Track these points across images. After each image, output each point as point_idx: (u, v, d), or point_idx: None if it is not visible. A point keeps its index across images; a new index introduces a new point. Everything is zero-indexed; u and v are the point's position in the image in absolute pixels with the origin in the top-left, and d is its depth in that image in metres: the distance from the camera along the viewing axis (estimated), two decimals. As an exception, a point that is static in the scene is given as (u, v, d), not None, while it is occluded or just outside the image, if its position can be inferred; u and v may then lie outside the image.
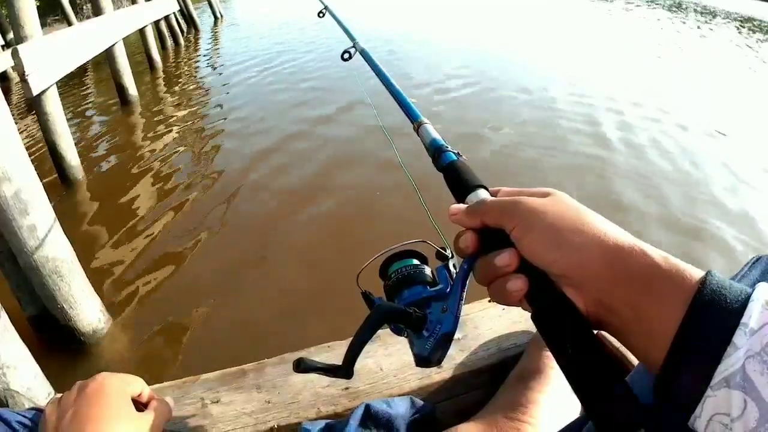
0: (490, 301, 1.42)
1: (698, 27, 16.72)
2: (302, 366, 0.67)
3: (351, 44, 1.25)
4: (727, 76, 9.93)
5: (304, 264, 3.68)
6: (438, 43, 11.21)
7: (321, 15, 1.90)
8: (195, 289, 3.53)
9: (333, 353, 1.29)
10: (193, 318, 3.28)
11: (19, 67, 4.43)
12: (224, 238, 4.10)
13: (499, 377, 1.22)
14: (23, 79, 4.50)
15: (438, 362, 0.59)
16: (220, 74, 9.77)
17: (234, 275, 3.63)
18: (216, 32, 16.17)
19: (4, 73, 9.78)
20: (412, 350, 0.62)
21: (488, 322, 1.37)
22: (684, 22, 17.63)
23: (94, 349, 3.01)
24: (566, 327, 0.46)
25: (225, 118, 7.07)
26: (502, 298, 0.52)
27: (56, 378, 2.55)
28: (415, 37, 12.12)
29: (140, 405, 0.81)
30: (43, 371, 2.47)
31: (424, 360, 0.59)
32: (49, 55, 5.01)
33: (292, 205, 4.42)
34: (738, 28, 17.95)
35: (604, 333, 0.49)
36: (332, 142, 5.71)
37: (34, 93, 4.65)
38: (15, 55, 4.39)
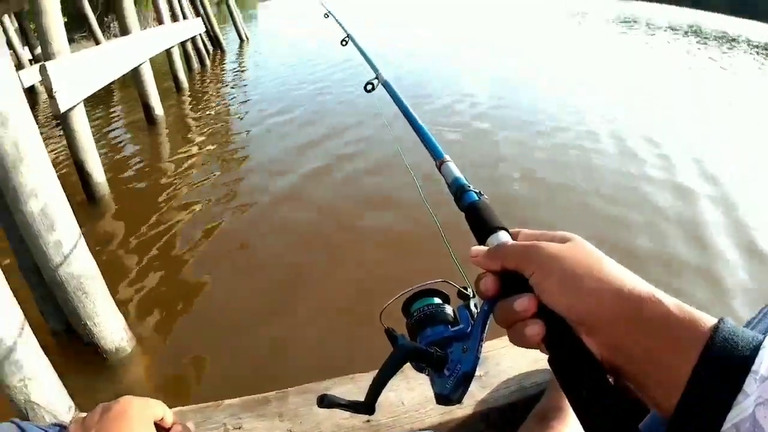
0: None
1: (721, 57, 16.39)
2: (326, 401, 0.66)
3: (374, 75, 1.24)
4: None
5: (327, 298, 3.63)
6: (464, 69, 11.16)
7: (344, 43, 1.91)
8: (219, 315, 3.52)
9: (355, 385, 1.28)
10: (215, 343, 3.25)
11: (47, 83, 4.48)
12: (248, 268, 4.06)
13: (519, 415, 1.19)
14: (51, 95, 4.55)
15: (458, 401, 0.59)
16: (245, 99, 9.83)
17: (258, 304, 3.60)
18: (241, 54, 16.38)
19: (32, 87, 9.96)
20: (433, 388, 0.62)
21: (510, 360, 1.36)
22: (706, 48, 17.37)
23: (116, 367, 2.99)
24: (581, 372, 0.47)
25: (249, 145, 7.11)
26: (520, 341, 0.52)
27: (77, 393, 2.54)
28: (437, 58, 12.06)
29: (162, 430, 0.80)
30: (64, 386, 2.47)
31: (444, 398, 0.59)
32: (77, 73, 5.06)
33: (315, 240, 4.38)
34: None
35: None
36: (355, 176, 5.65)
37: (62, 110, 4.70)
38: (43, 71, 4.45)
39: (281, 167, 5.93)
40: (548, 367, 1.25)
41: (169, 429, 0.81)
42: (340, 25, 2.06)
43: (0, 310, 2.23)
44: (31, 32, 12.24)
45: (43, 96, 9.82)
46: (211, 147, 7.07)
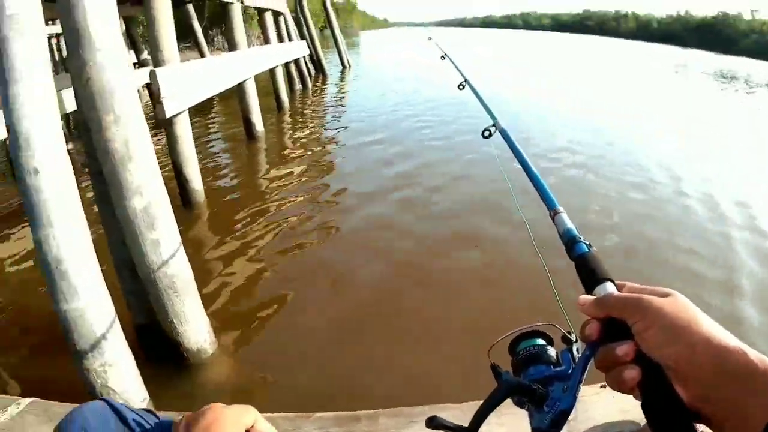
0: (602, 387, 1.47)
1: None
2: (434, 423, 0.71)
3: (491, 122, 1.28)
4: None
5: (421, 328, 3.51)
6: (567, 118, 10.76)
7: (461, 87, 1.94)
8: (301, 330, 3.48)
9: (446, 414, 1.25)
10: (296, 356, 3.22)
11: (155, 88, 4.62)
12: (335, 286, 4.02)
13: None
14: (158, 101, 4.69)
15: None
16: (343, 124, 9.92)
17: (342, 323, 3.53)
18: (342, 80, 16.70)
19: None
20: (531, 423, 0.66)
21: (598, 407, 1.39)
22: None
23: (195, 367, 3.00)
24: (671, 415, 0.50)
25: (343, 169, 7.13)
26: (617, 384, 0.55)
27: (153, 386, 2.57)
28: (542, 107, 11.72)
29: None
30: (141, 377, 2.50)
31: None
32: (185, 82, 5.21)
33: (408, 268, 4.27)
34: None
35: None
36: (462, 213, 5.46)
37: (168, 115, 4.83)
38: (152, 76, 4.59)
39: (375, 195, 5.88)
40: (634, 418, 1.35)
41: None
42: (458, 69, 2.11)
43: (94, 296, 2.29)
44: (138, 37, 12.88)
45: (145, 99, 10.21)
46: (305, 167, 7.15)
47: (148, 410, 0.90)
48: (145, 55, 12.48)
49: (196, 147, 5.76)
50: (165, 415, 0.92)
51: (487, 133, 1.25)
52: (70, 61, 2.68)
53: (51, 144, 2.22)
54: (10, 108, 2.14)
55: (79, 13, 2.53)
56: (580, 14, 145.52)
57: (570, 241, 0.70)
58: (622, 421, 1.33)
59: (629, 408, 1.37)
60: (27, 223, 5.39)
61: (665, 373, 0.52)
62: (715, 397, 0.49)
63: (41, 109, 2.21)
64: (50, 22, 9.47)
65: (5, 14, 2.14)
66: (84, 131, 2.85)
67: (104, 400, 0.88)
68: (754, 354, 0.48)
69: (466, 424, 0.68)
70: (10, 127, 2.16)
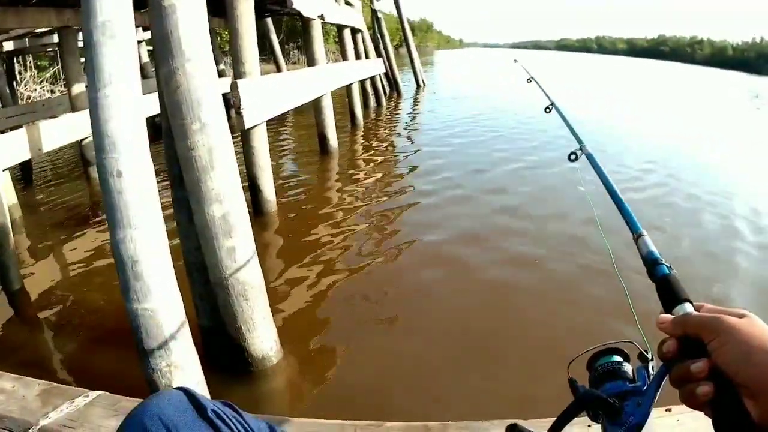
0: (666, 410, 1.45)
1: None
2: (515, 430, 0.76)
3: (578, 145, 1.34)
4: None
5: (491, 345, 3.42)
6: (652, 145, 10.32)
7: (547, 111, 1.97)
8: (369, 342, 3.46)
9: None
10: (364, 366, 3.20)
11: (236, 99, 4.71)
12: (408, 306, 3.94)
13: None
14: (238, 111, 4.77)
15: None
16: (416, 145, 9.87)
17: (414, 342, 3.46)
18: (417, 99, 16.70)
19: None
20: None
21: (663, 429, 1.38)
22: None
23: (258, 374, 3.01)
24: (739, 429, 0.51)
25: (413, 188, 7.03)
26: (689, 400, 0.56)
27: (215, 390, 2.57)
28: (622, 130, 11.34)
29: None
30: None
31: None
32: (265, 94, 5.30)
33: (485, 286, 4.17)
34: None
35: None
36: (539, 235, 5.29)
37: (247, 126, 4.91)
38: (234, 88, 4.68)
39: (447, 222, 5.72)
40: None
41: None
42: (545, 92, 2.15)
43: (166, 297, 2.33)
44: (217, 48, 13.25)
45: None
46: (377, 185, 7.14)
47: (226, 403, 0.89)
48: (222, 66, 12.88)
49: (270, 157, 5.84)
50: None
51: (573, 157, 1.31)
52: (159, 68, 2.74)
53: (136, 147, 2.26)
54: (98, 110, 2.20)
55: (171, 22, 2.59)
56: (656, 39, 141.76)
57: (652, 264, 0.73)
58: None
59: (692, 431, 1.36)
60: (94, 221, 5.67)
61: (737, 390, 0.53)
62: None
63: (129, 113, 2.25)
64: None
65: (98, 20, 2.20)
66: (165, 137, 2.91)
67: (181, 389, 0.86)
68: None
69: None
70: (96, 130, 2.21)
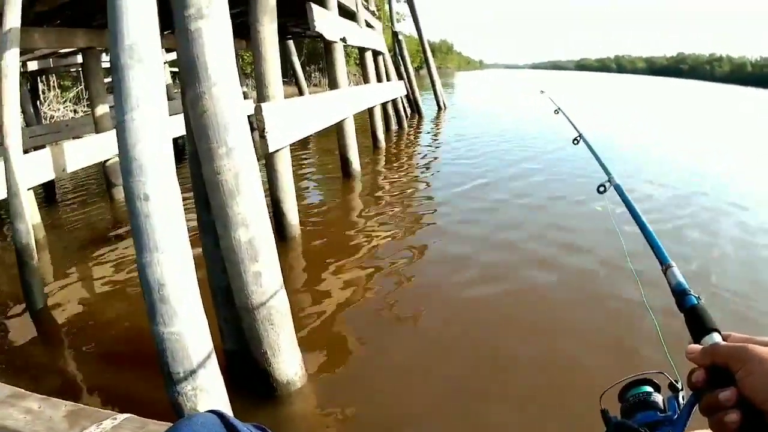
0: None
1: None
2: None
3: (606, 177, 1.35)
4: None
5: (523, 381, 3.33)
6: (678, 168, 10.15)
7: (575, 142, 2.00)
8: (393, 369, 3.42)
9: None
10: (387, 397, 3.13)
11: (260, 123, 4.71)
12: (434, 333, 3.89)
13: None
14: (262, 135, 4.76)
15: None
16: (438, 169, 9.82)
17: (443, 370, 3.41)
18: (438, 121, 16.72)
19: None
20: None
21: None
22: None
23: (283, 399, 2.99)
24: None
25: (435, 211, 7.03)
26: (719, 428, 0.57)
27: (238, 414, 2.49)
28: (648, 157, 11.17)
29: None
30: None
31: None
32: (288, 117, 5.29)
33: (514, 322, 4.06)
34: None
35: None
36: (563, 264, 5.16)
37: (270, 150, 4.90)
38: (258, 111, 4.68)
39: (468, 244, 5.66)
40: None
41: None
42: (572, 124, 2.16)
43: (193, 321, 2.33)
44: (240, 70, 13.40)
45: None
46: (399, 210, 7.09)
47: (258, 426, 0.88)
48: (244, 88, 13.01)
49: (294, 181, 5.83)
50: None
51: (602, 189, 1.32)
52: (185, 92, 2.76)
53: (163, 171, 2.27)
54: (125, 133, 2.21)
55: (197, 46, 2.60)
56: (675, 57, 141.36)
57: (680, 295, 0.74)
58: None
59: None
60: (118, 243, 5.68)
61: (765, 418, 0.54)
62: None
63: (156, 136, 2.26)
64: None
65: (125, 43, 2.21)
66: (191, 161, 2.93)
67: (214, 412, 0.85)
68: None
69: None
70: (124, 152, 2.22)
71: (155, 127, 2.25)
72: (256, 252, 2.77)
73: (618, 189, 1.26)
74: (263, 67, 5.28)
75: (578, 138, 1.98)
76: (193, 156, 2.86)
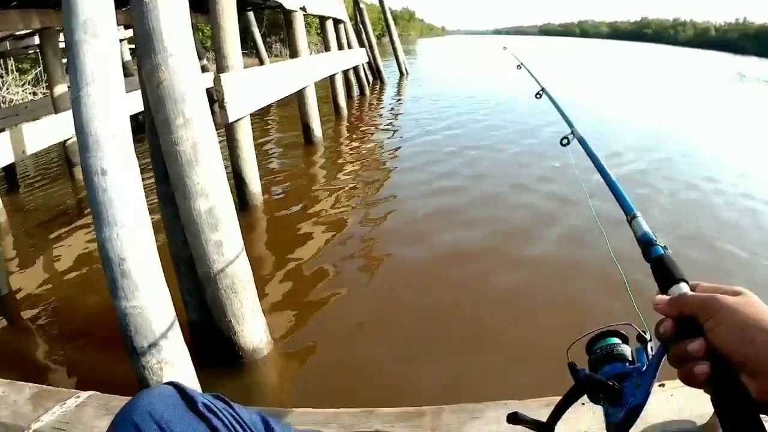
0: (660, 386, 1.44)
1: None
2: (516, 418, 0.75)
3: (569, 130, 1.32)
4: None
5: (485, 327, 3.44)
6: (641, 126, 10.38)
7: (538, 96, 1.97)
8: (356, 331, 3.46)
9: (507, 410, 1.24)
10: (353, 354, 3.20)
11: (219, 93, 4.69)
12: (394, 289, 3.97)
13: None
14: (222, 105, 4.75)
15: (626, 430, 0.65)
16: (400, 133, 9.84)
17: (399, 324, 3.50)
18: (400, 88, 16.71)
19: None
20: (605, 418, 0.68)
21: (656, 406, 1.39)
22: None
23: (250, 366, 3.01)
24: (739, 411, 0.52)
25: (401, 174, 7.09)
26: (688, 379, 0.57)
27: (206, 384, 2.56)
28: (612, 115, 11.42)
29: None
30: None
31: (615, 427, 0.65)
32: (248, 87, 5.28)
33: (479, 272, 4.16)
34: None
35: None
36: (528, 215, 5.34)
37: (230, 120, 4.89)
38: (217, 82, 4.66)
39: (433, 201, 5.79)
40: (691, 417, 1.37)
41: None
42: (534, 78, 2.15)
43: (153, 292, 2.31)
44: (199, 44, 13.25)
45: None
46: (361, 174, 7.13)
47: (217, 395, 0.88)
48: (204, 61, 12.82)
49: (255, 150, 5.83)
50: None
51: (565, 141, 1.29)
52: (141, 64, 2.73)
53: (120, 145, 2.25)
54: (81, 109, 2.18)
55: (153, 17, 2.58)
56: (638, 22, 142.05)
57: (646, 245, 0.74)
58: (680, 420, 1.34)
59: (687, 407, 1.37)
60: (79, 222, 5.63)
61: (734, 368, 0.54)
62: None
63: (112, 111, 2.24)
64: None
65: (80, 19, 2.18)
66: (149, 133, 2.89)
67: (171, 383, 0.85)
68: None
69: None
70: (80, 128, 2.20)
71: (111, 101, 2.23)
72: (216, 221, 2.76)
73: (581, 141, 1.24)
74: (222, 38, 5.23)
75: (541, 92, 1.95)
76: (152, 128, 2.83)
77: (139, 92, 2.98)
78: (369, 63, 15.99)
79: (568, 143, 1.29)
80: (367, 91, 14.30)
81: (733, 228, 5.09)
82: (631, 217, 0.81)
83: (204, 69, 11.79)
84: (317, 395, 2.83)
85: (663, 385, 1.45)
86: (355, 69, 13.47)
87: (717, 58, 44.24)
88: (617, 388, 0.67)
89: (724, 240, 4.75)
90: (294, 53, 8.32)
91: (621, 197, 0.88)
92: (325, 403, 2.73)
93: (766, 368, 0.51)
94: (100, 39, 2.21)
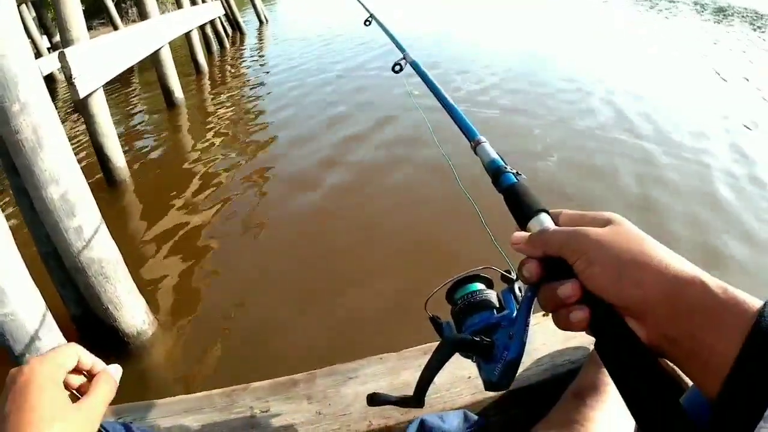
0: (543, 315, 1.40)
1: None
2: (376, 400, 0.71)
3: (401, 55, 1.24)
4: None
5: (356, 282, 3.50)
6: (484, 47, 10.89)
7: (367, 23, 1.91)
8: (243, 296, 3.49)
9: (384, 365, 1.27)
10: (240, 324, 3.23)
11: (66, 69, 4.47)
12: (273, 250, 4.00)
13: (551, 394, 1.17)
14: (70, 81, 4.54)
15: (506, 386, 0.60)
16: (265, 81, 9.78)
17: (283, 285, 3.56)
18: (261, 36, 16.33)
19: (51, 75, 10.17)
20: (480, 375, 0.63)
21: (542, 336, 1.34)
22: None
23: (138, 350, 2.98)
24: (627, 357, 0.47)
25: (270, 122, 7.09)
26: (565, 326, 0.52)
27: None
28: (458, 38, 11.88)
29: (81, 376, 0.72)
30: None
31: (493, 385, 0.60)
32: (96, 59, 5.05)
33: (345, 222, 4.26)
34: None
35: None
36: (384, 155, 5.46)
37: (81, 95, 4.69)
38: (62, 58, 4.43)
39: (304, 150, 5.83)
40: (581, 343, 1.28)
41: (89, 372, 0.73)
42: (363, 5, 2.08)
43: (22, 294, 2.24)
44: (49, 21, 12.47)
45: (62, 82, 9.92)
46: (232, 131, 7.03)
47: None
48: (58, 38, 11.99)
49: (116, 123, 5.63)
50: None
51: (397, 68, 1.21)
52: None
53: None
54: None
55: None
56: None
57: (496, 173, 0.65)
58: (569, 349, 1.29)
59: (573, 335, 1.31)
60: None
61: (617, 311, 0.48)
62: (675, 334, 0.45)
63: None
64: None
65: None
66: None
67: None
68: (714, 283, 0.45)
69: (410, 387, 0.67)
70: None
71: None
72: (71, 206, 2.66)
73: (414, 65, 1.15)
74: (63, 10, 4.90)
75: (369, 19, 1.88)
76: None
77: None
78: (226, 14, 15.46)
79: (401, 69, 1.20)
80: (228, 44, 13.92)
81: (592, 139, 5.46)
82: (475, 143, 0.72)
83: (57, 47, 11.07)
84: (206, 368, 2.87)
85: (547, 314, 1.42)
86: (212, 23, 13.01)
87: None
88: (487, 343, 0.61)
89: (583, 153, 5.05)
90: (143, 15, 7.96)
91: (462, 122, 0.79)
92: (213, 375, 2.77)
93: (651, 311, 0.46)
94: None
